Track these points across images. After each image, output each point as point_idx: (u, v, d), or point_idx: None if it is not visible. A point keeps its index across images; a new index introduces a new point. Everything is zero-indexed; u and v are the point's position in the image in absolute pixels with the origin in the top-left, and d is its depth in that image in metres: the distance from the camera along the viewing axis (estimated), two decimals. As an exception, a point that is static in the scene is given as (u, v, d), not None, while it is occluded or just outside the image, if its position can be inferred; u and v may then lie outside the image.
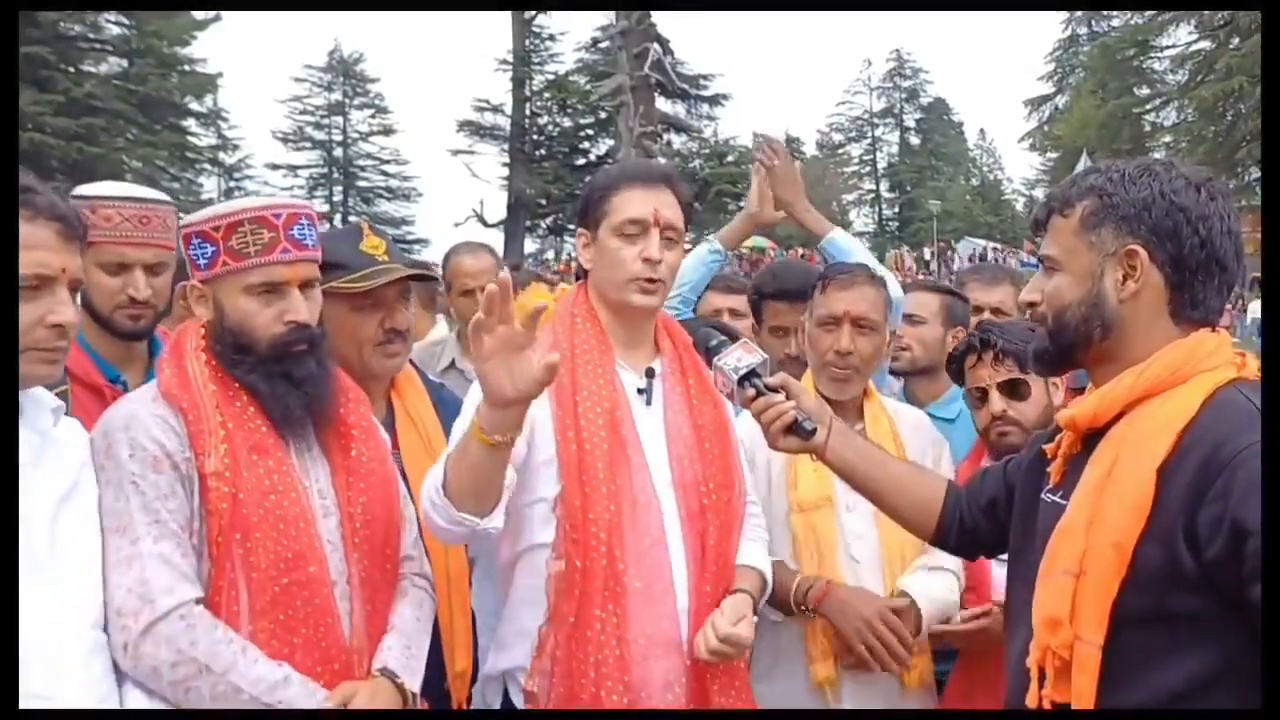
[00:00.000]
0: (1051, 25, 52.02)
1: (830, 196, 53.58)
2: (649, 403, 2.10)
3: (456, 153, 38.05)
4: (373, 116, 49.92)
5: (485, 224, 34.21)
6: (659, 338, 2.19)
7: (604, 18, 36.02)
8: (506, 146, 38.83)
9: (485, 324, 1.66)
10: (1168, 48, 37.09)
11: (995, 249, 34.95)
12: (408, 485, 2.10)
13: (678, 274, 2.29)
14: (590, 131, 39.61)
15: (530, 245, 38.99)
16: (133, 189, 2.34)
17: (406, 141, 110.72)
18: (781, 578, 2.27)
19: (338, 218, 44.37)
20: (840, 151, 63.41)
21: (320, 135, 49.25)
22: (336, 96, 49.75)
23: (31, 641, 1.54)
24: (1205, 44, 34.52)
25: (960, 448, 2.67)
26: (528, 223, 37.66)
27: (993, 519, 1.90)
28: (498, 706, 2.10)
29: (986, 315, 3.29)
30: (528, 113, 39.88)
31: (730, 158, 36.27)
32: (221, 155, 43.00)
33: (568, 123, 39.99)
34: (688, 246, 2.61)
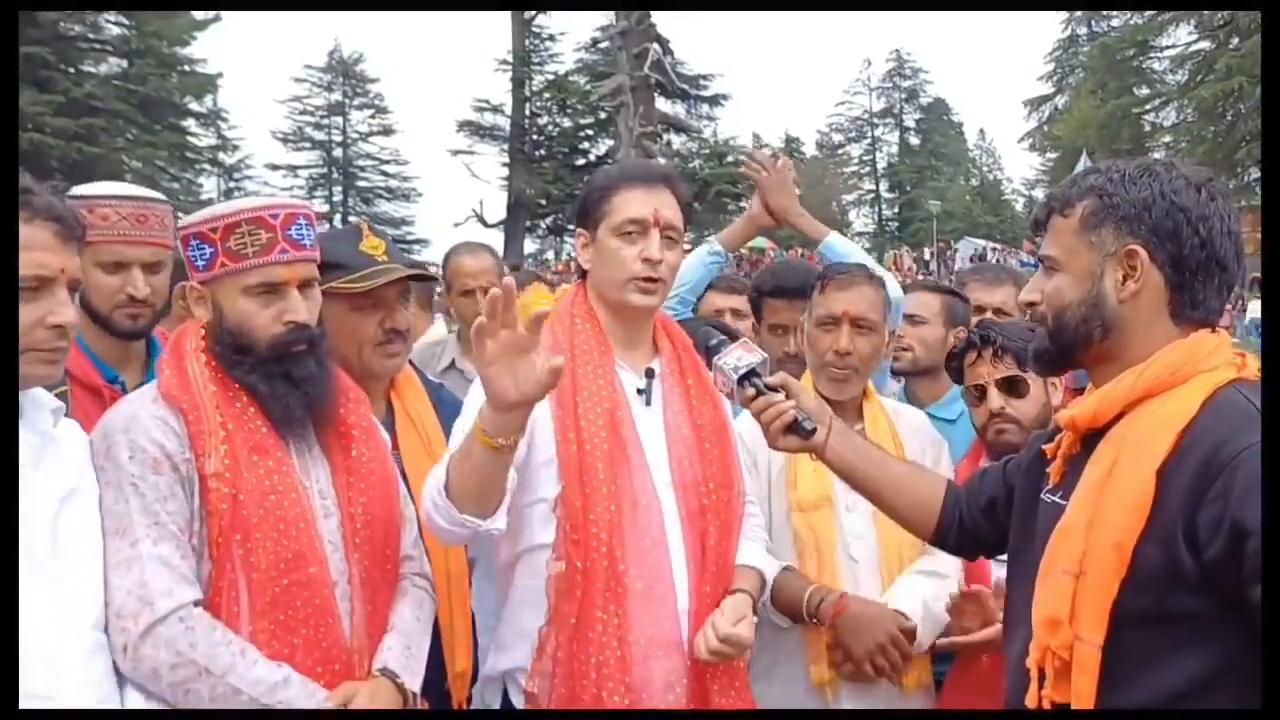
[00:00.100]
0: (1051, 25, 52.07)
1: (830, 197, 53.62)
2: (648, 403, 2.10)
3: (456, 153, 38.11)
4: (373, 117, 49.98)
5: (485, 224, 34.21)
6: (657, 338, 2.19)
7: (604, 18, 36.03)
8: (506, 147, 38.83)
9: (488, 328, 1.66)
10: (1167, 48, 37.12)
11: (995, 249, 34.93)
12: (408, 485, 2.10)
13: (677, 275, 2.29)
14: (590, 132, 39.62)
15: (530, 245, 39.06)
16: (129, 188, 2.34)
17: (406, 142, 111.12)
18: (793, 585, 2.27)
19: (337, 218, 44.39)
20: (840, 152, 63.43)
21: (320, 135, 49.27)
22: (336, 96, 49.76)
23: (31, 641, 1.54)
24: (1205, 44, 34.52)
25: (961, 448, 2.67)
26: (528, 223, 37.66)
27: (992, 519, 1.90)
28: (497, 707, 2.10)
29: (989, 316, 3.29)
30: (528, 113, 39.88)
31: (730, 158, 36.27)
32: (221, 155, 43.03)
33: (568, 123, 39.99)
34: (687, 247, 2.61)
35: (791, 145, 58.64)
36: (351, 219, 43.21)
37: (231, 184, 44.58)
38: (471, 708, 2.24)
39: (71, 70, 32.61)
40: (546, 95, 40.02)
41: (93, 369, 2.22)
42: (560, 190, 35.96)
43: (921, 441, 2.53)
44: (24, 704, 1.51)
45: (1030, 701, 1.52)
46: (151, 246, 2.27)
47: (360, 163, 49.65)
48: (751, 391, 1.97)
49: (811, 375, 2.49)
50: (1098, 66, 40.32)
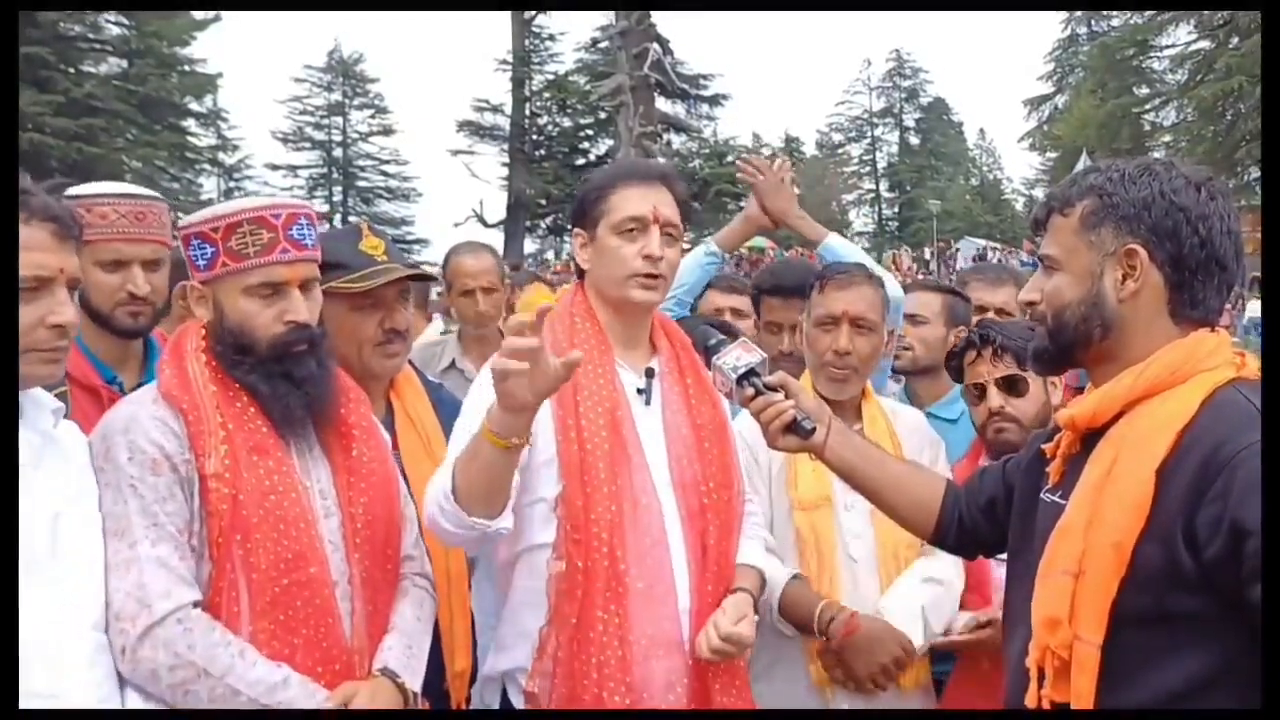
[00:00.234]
0: (1051, 25, 52.01)
1: (830, 196, 53.59)
2: (648, 402, 2.10)
3: (456, 153, 38.12)
4: (372, 117, 49.93)
5: (485, 224, 34.21)
6: (655, 337, 2.19)
7: (604, 18, 36.01)
8: (506, 146, 38.84)
9: (515, 370, 1.65)
10: (1167, 47, 37.09)
11: (995, 249, 34.91)
12: (408, 485, 2.10)
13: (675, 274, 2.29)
14: (590, 131, 39.64)
15: (530, 245, 39.08)
16: (126, 187, 2.35)
17: (406, 141, 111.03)
18: (803, 599, 2.27)
19: (337, 218, 44.36)
20: (840, 151, 63.38)
21: (320, 135, 49.23)
22: (336, 97, 49.71)
23: (31, 641, 1.54)
24: (1205, 44, 34.49)
25: (962, 448, 2.68)
26: (527, 223, 37.67)
27: (991, 518, 1.90)
28: (496, 707, 2.10)
29: (990, 316, 3.28)
30: (527, 113, 39.88)
31: (730, 158, 36.25)
32: (221, 155, 43.03)
33: (567, 123, 40.00)
34: (686, 246, 2.61)
35: (791, 145, 58.60)
36: (351, 219, 43.19)
37: (231, 184, 44.57)
38: (471, 708, 2.24)
39: (71, 70, 32.60)
40: (546, 95, 40.02)
41: (91, 369, 2.22)
42: (560, 190, 35.94)
43: (919, 441, 2.53)
44: (24, 703, 1.51)
45: (1030, 701, 1.52)
46: (151, 244, 2.27)
47: (360, 163, 49.63)
48: (750, 391, 1.97)
49: (810, 375, 2.49)
50: (1098, 66, 40.29)
